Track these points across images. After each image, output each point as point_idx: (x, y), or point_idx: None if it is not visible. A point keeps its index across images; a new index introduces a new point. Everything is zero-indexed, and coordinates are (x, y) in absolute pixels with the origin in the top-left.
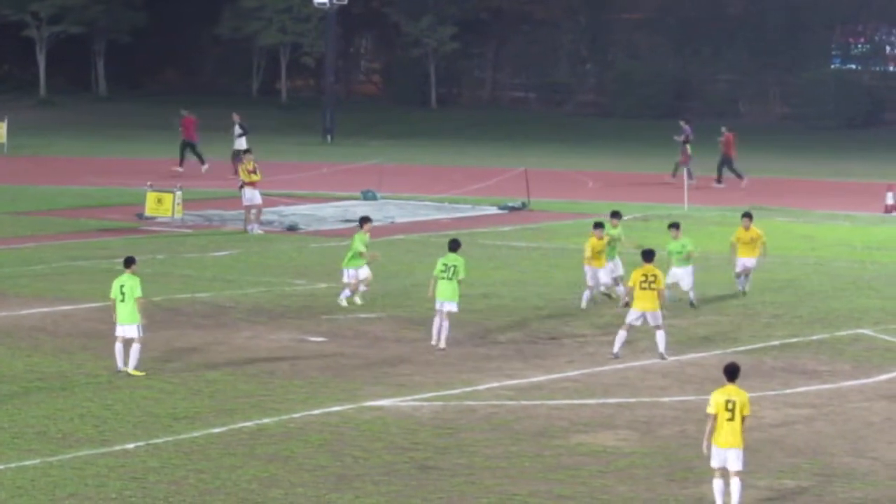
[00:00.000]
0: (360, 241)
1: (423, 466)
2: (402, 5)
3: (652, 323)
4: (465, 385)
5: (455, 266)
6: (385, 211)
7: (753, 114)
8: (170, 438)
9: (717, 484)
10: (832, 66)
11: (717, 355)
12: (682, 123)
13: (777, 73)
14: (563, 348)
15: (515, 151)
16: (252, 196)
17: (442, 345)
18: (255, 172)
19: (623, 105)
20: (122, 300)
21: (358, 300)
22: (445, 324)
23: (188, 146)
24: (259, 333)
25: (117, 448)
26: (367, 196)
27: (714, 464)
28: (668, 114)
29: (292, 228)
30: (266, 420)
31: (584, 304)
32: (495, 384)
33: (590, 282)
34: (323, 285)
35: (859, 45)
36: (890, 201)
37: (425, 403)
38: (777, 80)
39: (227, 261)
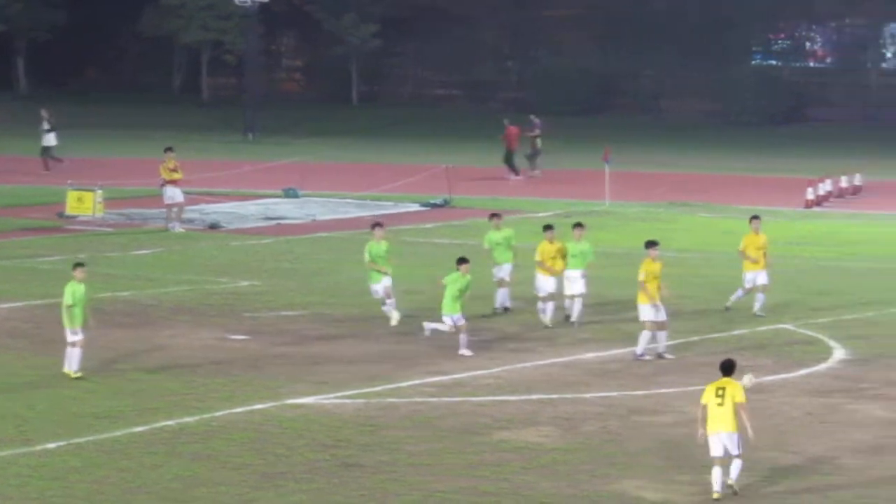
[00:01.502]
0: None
1: (345, 464)
2: (324, 3)
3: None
4: (388, 382)
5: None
6: (307, 209)
7: (676, 109)
8: (92, 438)
9: (716, 472)
10: (753, 63)
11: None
12: (532, 118)
13: (699, 69)
14: (485, 345)
15: (438, 149)
16: (173, 194)
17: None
18: (176, 170)
19: (547, 102)
20: (73, 305)
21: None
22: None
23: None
24: (181, 332)
25: (39, 448)
26: (289, 194)
27: (713, 452)
28: (591, 110)
29: (214, 226)
30: (188, 419)
31: (546, 320)
32: (418, 381)
33: (539, 292)
34: (245, 283)
35: (780, 42)
36: (811, 197)
37: (348, 401)
38: (699, 75)
39: (149, 259)
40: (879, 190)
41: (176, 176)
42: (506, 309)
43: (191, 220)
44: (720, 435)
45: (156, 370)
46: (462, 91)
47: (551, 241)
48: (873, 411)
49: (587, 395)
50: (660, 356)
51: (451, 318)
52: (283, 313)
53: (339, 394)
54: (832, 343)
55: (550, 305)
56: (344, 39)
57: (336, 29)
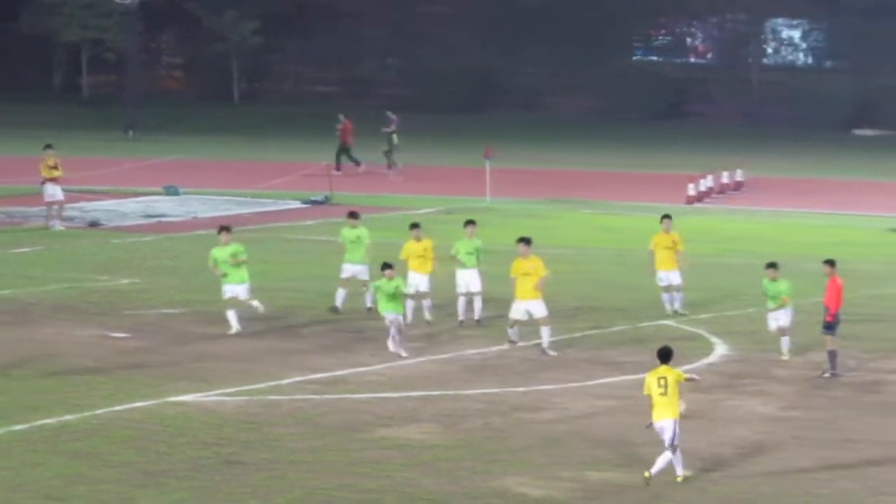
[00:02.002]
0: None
1: (227, 461)
2: (204, 0)
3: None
4: (270, 379)
5: None
6: (188, 206)
7: (557, 106)
8: None
9: (664, 458)
10: (634, 59)
11: (521, 347)
12: (388, 114)
13: (581, 66)
14: (366, 342)
15: (318, 146)
16: (54, 192)
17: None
18: (56, 168)
19: (427, 99)
20: None
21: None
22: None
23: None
24: (62, 330)
25: None
26: (170, 191)
27: (664, 438)
28: (473, 107)
29: (94, 224)
30: (69, 416)
31: (428, 316)
32: (300, 378)
33: (410, 289)
34: (125, 281)
35: (661, 38)
36: (692, 193)
37: (229, 398)
38: (580, 72)
39: (30, 257)
40: (760, 186)
41: (56, 174)
42: (369, 309)
43: (71, 218)
44: (666, 422)
45: (36, 368)
46: (342, 88)
47: (418, 240)
48: (754, 407)
49: (469, 392)
50: (543, 352)
51: (387, 315)
52: (164, 311)
53: (221, 391)
54: (713, 339)
55: (426, 303)
56: (224, 36)
57: (216, 26)
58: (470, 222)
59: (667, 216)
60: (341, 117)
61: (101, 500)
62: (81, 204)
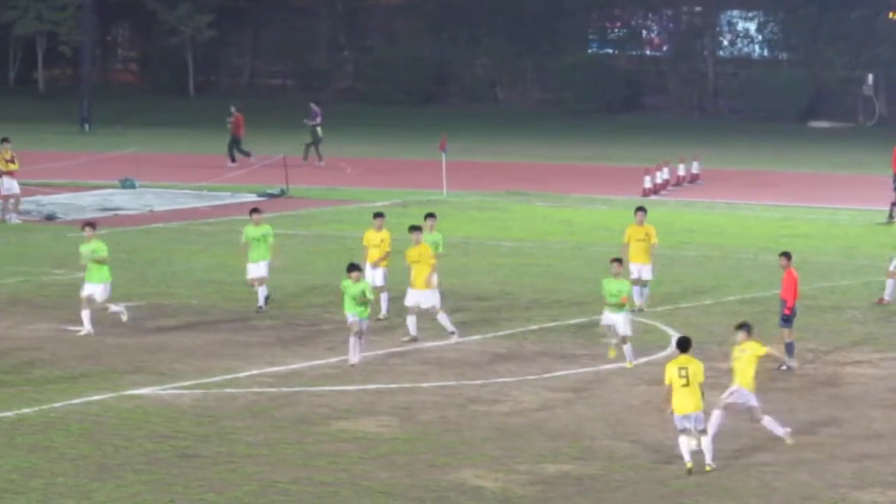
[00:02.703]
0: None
1: (184, 454)
2: None
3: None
4: (226, 373)
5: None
6: (144, 199)
7: (511, 98)
8: None
9: (683, 440)
10: (589, 51)
11: (477, 340)
12: (312, 105)
13: (535, 58)
14: (323, 335)
15: (274, 138)
16: (10, 185)
17: None
18: (12, 161)
19: (380, 91)
20: None
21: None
22: None
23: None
24: (17, 323)
25: None
26: (126, 185)
27: (678, 426)
28: (427, 99)
29: (50, 218)
30: (26, 410)
31: (384, 311)
32: (256, 371)
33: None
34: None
35: (616, 30)
36: (648, 185)
37: (186, 391)
38: (535, 64)
39: None
40: (716, 178)
41: (12, 167)
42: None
43: (27, 212)
44: (689, 416)
45: None
46: (296, 81)
47: (379, 230)
48: (710, 399)
49: (425, 385)
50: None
51: (348, 316)
52: (120, 304)
53: (177, 384)
54: (669, 331)
55: (383, 296)
56: (179, 30)
57: (170, 19)
58: (430, 215)
59: (641, 208)
60: (233, 109)
61: (58, 494)
62: (38, 197)
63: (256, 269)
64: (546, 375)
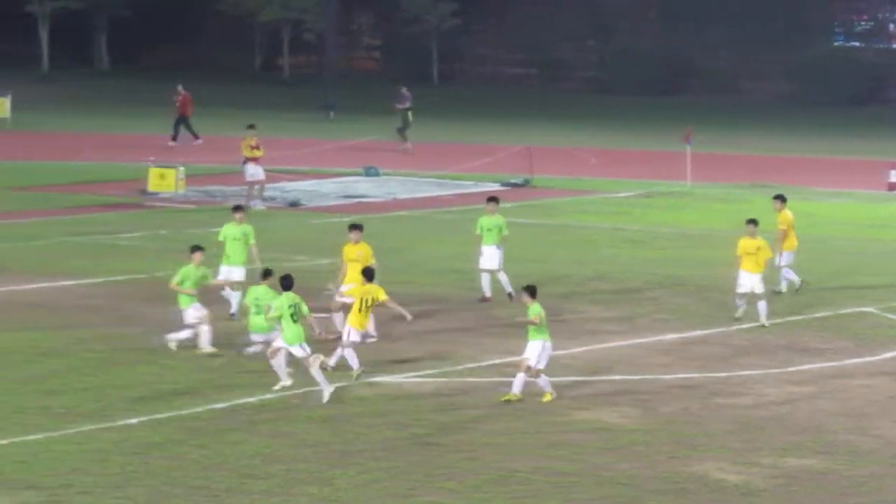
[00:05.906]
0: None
1: (423, 442)
2: None
3: None
4: (467, 361)
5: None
6: (387, 187)
7: (755, 90)
8: (171, 414)
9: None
10: (835, 44)
11: (720, 332)
12: (403, 90)
13: (780, 50)
14: (563, 325)
15: (517, 128)
16: (255, 172)
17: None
18: (257, 148)
19: (624, 81)
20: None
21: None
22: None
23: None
24: None
25: (119, 423)
26: (370, 172)
27: (740, 289)
28: (667, 91)
29: (294, 204)
30: (268, 396)
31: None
32: (496, 361)
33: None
34: (326, 261)
35: (862, 23)
36: (893, 179)
37: (426, 380)
38: (779, 56)
39: None
40: None
41: (257, 153)
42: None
43: (272, 198)
44: (754, 276)
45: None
46: (539, 70)
47: (356, 243)
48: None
49: (667, 377)
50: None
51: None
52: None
53: (417, 373)
54: None
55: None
56: (422, 18)
57: (414, 7)
58: (492, 199)
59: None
60: (180, 88)
61: (299, 480)
62: (282, 184)
63: (230, 272)
64: (789, 369)
